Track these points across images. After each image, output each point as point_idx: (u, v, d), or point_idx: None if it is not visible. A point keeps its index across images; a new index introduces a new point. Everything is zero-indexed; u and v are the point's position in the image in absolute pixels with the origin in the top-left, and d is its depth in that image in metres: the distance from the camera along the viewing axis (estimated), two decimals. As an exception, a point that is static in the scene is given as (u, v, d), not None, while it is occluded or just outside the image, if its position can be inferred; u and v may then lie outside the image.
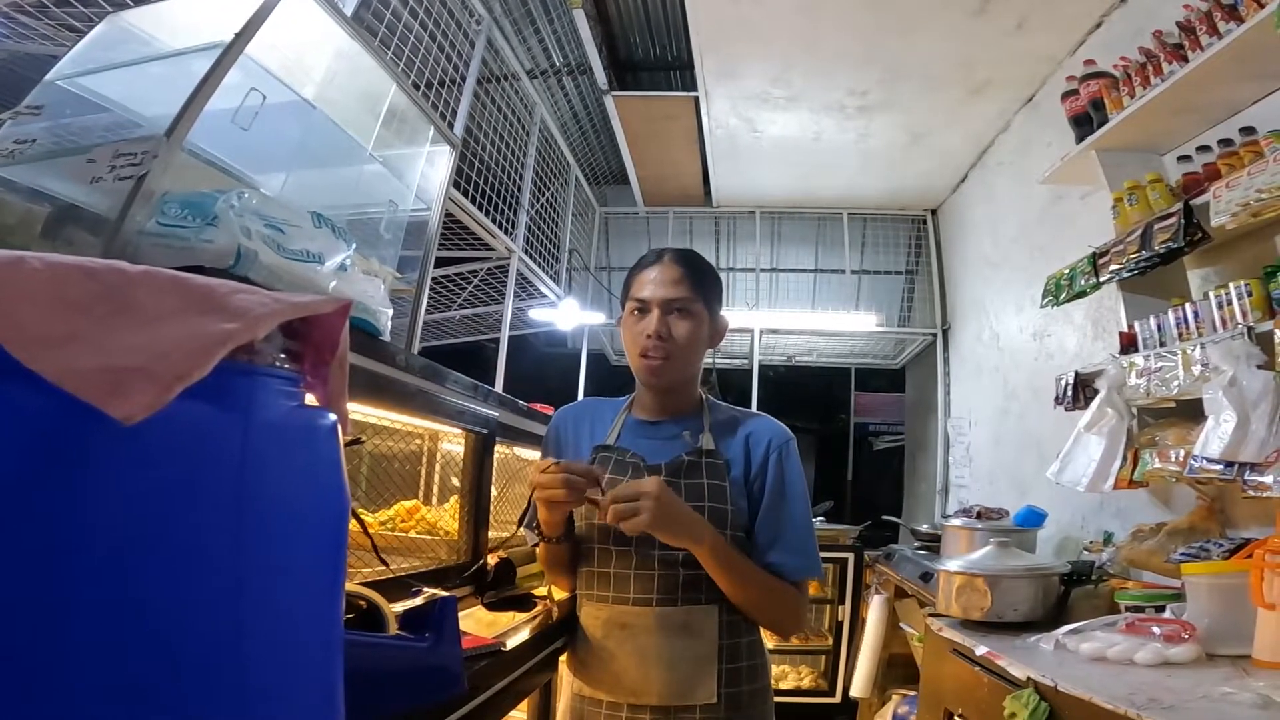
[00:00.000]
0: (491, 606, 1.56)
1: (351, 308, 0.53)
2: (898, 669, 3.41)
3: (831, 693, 3.91)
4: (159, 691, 0.42)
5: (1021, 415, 3.41)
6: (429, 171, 1.91)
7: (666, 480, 1.31)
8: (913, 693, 3.05)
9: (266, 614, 0.49)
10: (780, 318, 5.04)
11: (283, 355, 0.52)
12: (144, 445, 0.42)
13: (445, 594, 1.00)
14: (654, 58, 4.40)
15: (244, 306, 0.44)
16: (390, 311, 1.23)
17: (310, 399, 0.55)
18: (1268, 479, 1.49)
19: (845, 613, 3.92)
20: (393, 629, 0.88)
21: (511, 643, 1.24)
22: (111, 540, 0.41)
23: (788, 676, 3.99)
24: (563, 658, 1.45)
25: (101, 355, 0.39)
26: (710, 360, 5.48)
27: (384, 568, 1.40)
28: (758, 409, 4.74)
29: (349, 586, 0.88)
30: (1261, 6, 1.69)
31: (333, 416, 0.55)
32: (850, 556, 3.93)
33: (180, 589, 0.44)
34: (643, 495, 1.19)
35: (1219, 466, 1.58)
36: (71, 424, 0.40)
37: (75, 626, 0.40)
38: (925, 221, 5.04)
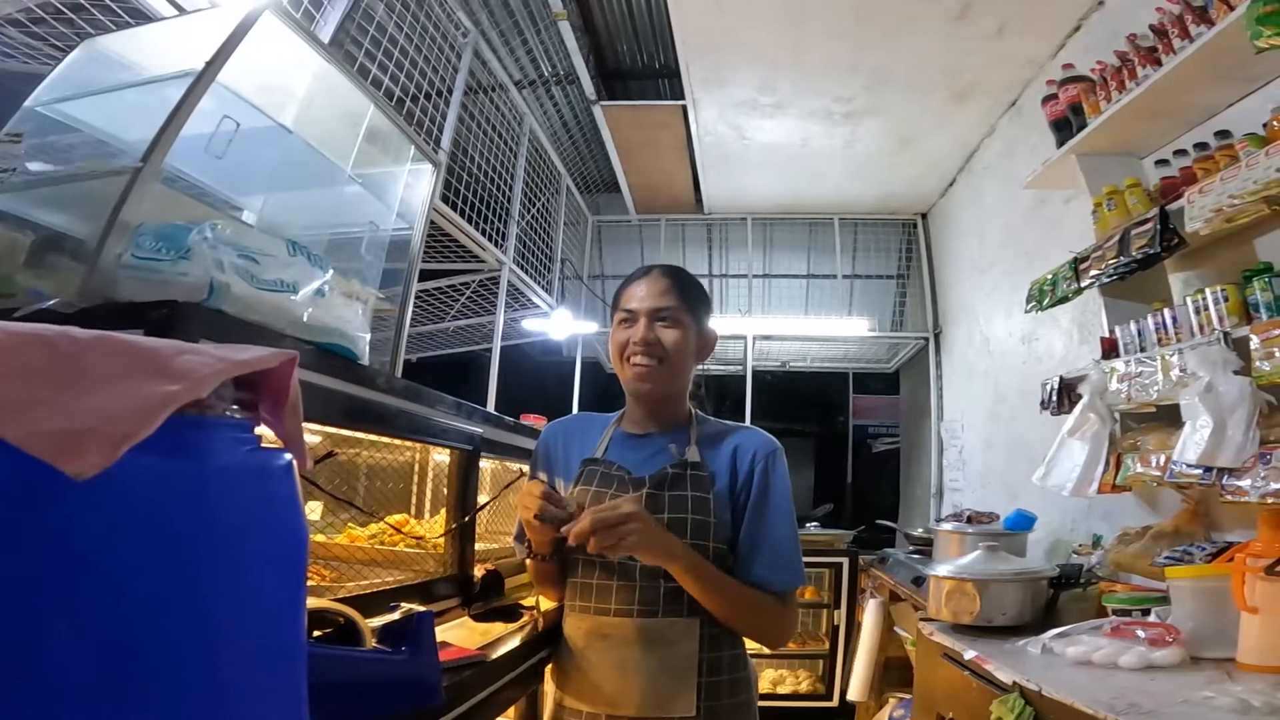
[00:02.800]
0: (479, 618, 1.57)
1: (297, 360, 0.55)
2: (894, 672, 3.42)
3: (829, 696, 3.91)
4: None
5: (1011, 419, 3.43)
6: (411, 189, 1.92)
7: (650, 492, 1.32)
8: (909, 696, 3.06)
9: (228, 649, 0.51)
10: (773, 324, 5.05)
11: (235, 406, 0.54)
12: (102, 497, 0.44)
13: (422, 609, 1.01)
14: (641, 66, 4.41)
15: (188, 368, 0.47)
16: (368, 336, 1.24)
17: (273, 437, 0.58)
18: (1245, 484, 1.50)
19: (841, 617, 3.93)
20: (370, 643, 0.89)
21: (496, 654, 1.25)
22: (72, 587, 0.44)
23: (785, 681, 3.99)
24: (548, 668, 1.46)
25: (57, 419, 0.42)
26: (703, 369, 5.48)
27: (368, 582, 1.42)
28: (752, 415, 4.78)
29: (326, 603, 0.89)
30: (1231, 9, 1.69)
31: (288, 456, 0.57)
32: (845, 561, 3.94)
33: (141, 629, 0.46)
34: (629, 519, 1.19)
35: (1198, 471, 1.59)
36: (32, 480, 0.42)
37: (38, 670, 0.42)
38: (915, 225, 5.06)
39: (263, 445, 0.56)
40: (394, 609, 0.97)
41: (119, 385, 0.44)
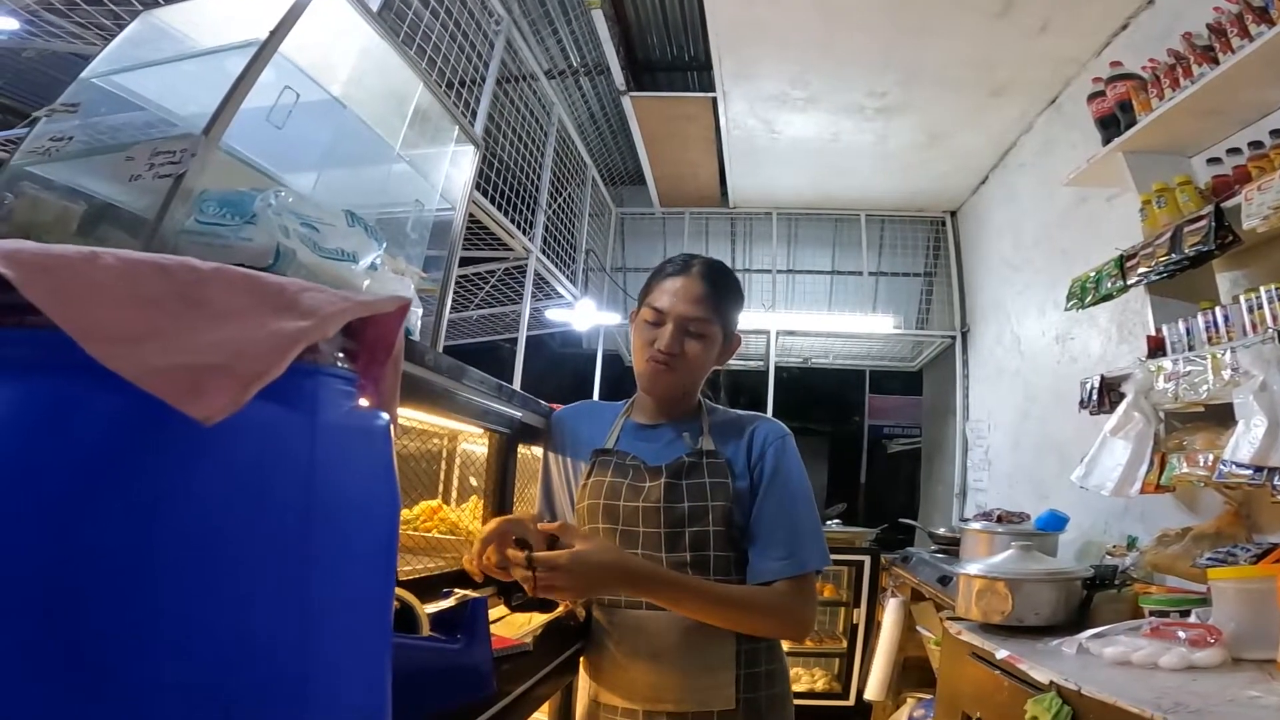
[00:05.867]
0: (517, 608, 1.56)
1: (409, 308, 0.53)
2: (913, 672, 3.40)
3: (845, 695, 3.90)
4: (227, 687, 0.42)
5: (1043, 419, 3.39)
6: (453, 171, 1.91)
7: (669, 482, 1.31)
8: (928, 696, 3.04)
9: (329, 614, 0.49)
10: (796, 319, 5.01)
11: (340, 355, 0.51)
12: (217, 445, 0.42)
13: (476, 595, 1.00)
14: (671, 58, 4.39)
15: (315, 305, 0.44)
16: (420, 310, 1.23)
17: (362, 400, 0.55)
18: (1298, 485, 1.48)
19: (860, 615, 3.91)
20: (425, 630, 0.88)
21: (535, 644, 1.24)
22: (184, 541, 0.42)
23: (801, 679, 3.98)
24: (581, 661, 1.45)
25: (178, 353, 0.39)
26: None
27: (409, 569, 1.42)
28: (772, 410, 4.75)
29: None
30: (1293, 8, 1.67)
31: (386, 417, 0.55)
32: (866, 559, 3.92)
33: (250, 588, 0.44)
34: (557, 569, 1.13)
35: (1249, 471, 1.57)
36: (146, 423, 0.40)
37: (146, 622, 0.41)
38: (944, 223, 5.01)
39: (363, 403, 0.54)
40: (447, 594, 0.96)
41: (245, 319, 0.41)
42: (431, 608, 0.93)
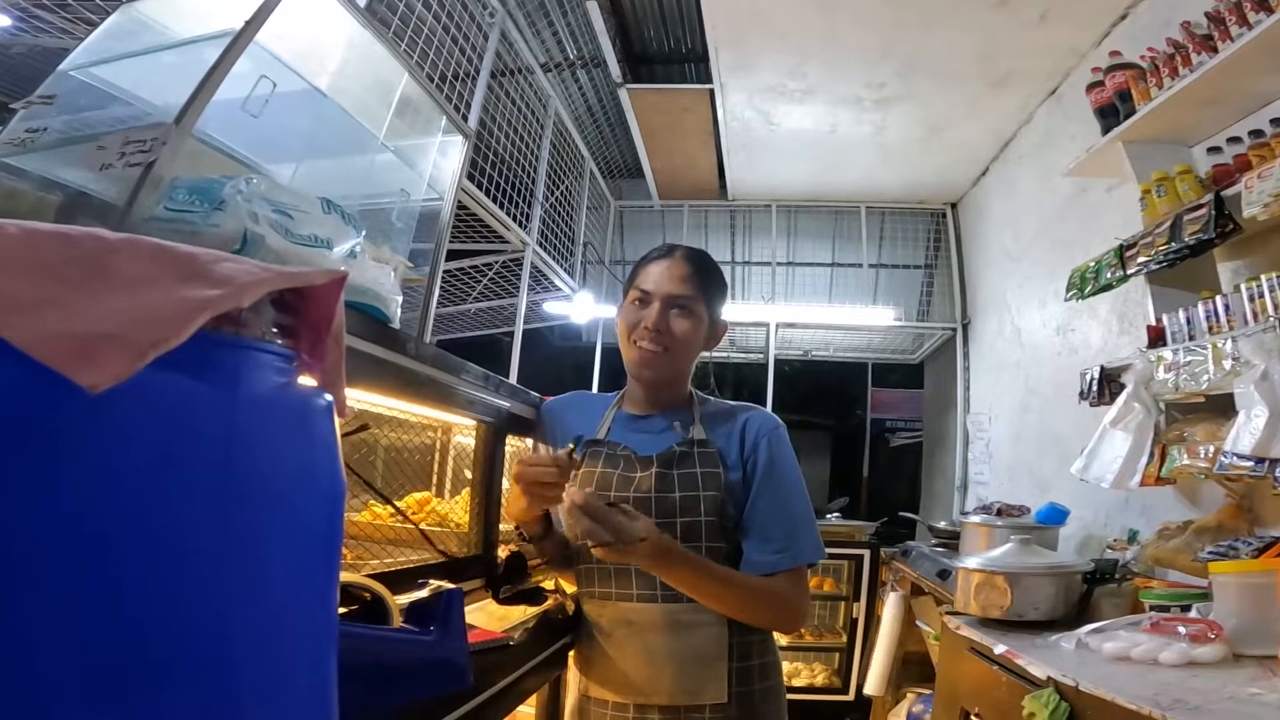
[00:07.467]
0: (505, 601, 1.54)
1: (346, 280, 0.50)
2: (913, 667, 3.38)
3: (845, 690, 3.89)
4: (135, 689, 0.40)
5: (1043, 411, 3.37)
6: (441, 161, 1.90)
7: (660, 471, 1.30)
8: (928, 691, 3.02)
9: (253, 604, 0.46)
10: (796, 312, 4.98)
11: (275, 330, 0.49)
12: (121, 418, 0.40)
13: (451, 586, 0.98)
14: (668, 50, 4.37)
15: (228, 274, 0.42)
16: (400, 299, 1.21)
17: (308, 379, 0.53)
18: (1300, 476, 1.45)
19: (860, 610, 3.90)
20: (396, 622, 0.86)
21: (519, 637, 1.22)
22: (84, 521, 0.39)
23: (800, 674, 3.97)
24: (571, 655, 1.43)
25: (73, 321, 0.37)
26: (724, 357, 5.45)
27: (392, 559, 1.40)
28: (772, 404, 4.74)
29: (354, 578, 0.86)
30: (1293, -6, 1.65)
31: (328, 397, 0.53)
32: (866, 553, 3.90)
33: (158, 575, 0.42)
34: (631, 544, 1.14)
35: (1250, 463, 1.55)
36: (42, 395, 0.37)
37: (42, 617, 0.38)
38: (944, 215, 4.98)
39: (301, 381, 0.52)
40: (422, 585, 0.94)
41: (149, 289, 0.39)
42: (405, 598, 0.91)
